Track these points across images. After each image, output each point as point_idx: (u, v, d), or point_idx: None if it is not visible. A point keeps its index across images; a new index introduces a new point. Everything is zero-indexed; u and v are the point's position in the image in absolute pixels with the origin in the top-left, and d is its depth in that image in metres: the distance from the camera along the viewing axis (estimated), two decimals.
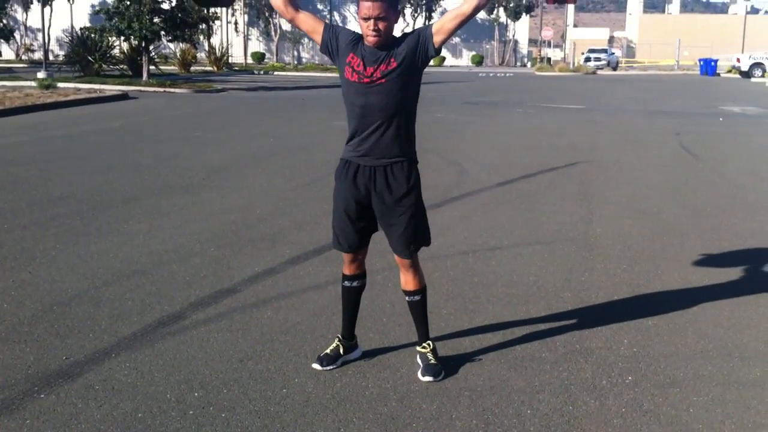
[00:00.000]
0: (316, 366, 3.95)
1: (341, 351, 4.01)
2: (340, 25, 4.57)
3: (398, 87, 3.68)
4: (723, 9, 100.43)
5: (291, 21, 3.92)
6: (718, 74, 49.68)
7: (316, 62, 65.98)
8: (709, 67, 50.04)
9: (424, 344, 3.95)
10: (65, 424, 3.35)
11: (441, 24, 3.71)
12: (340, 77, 3.79)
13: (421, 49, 3.70)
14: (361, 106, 3.71)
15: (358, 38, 3.73)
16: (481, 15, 71.58)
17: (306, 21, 3.86)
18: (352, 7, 74.73)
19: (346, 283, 4.00)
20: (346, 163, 3.82)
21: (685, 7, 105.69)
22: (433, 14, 71.40)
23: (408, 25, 69.57)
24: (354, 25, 73.70)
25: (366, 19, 3.59)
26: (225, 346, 4.23)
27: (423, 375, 3.83)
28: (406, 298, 3.95)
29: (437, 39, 3.69)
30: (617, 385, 3.82)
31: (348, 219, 3.84)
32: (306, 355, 4.09)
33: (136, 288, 5.20)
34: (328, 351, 4.00)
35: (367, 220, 3.87)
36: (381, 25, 3.59)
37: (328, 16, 74.19)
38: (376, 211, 3.82)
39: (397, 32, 3.76)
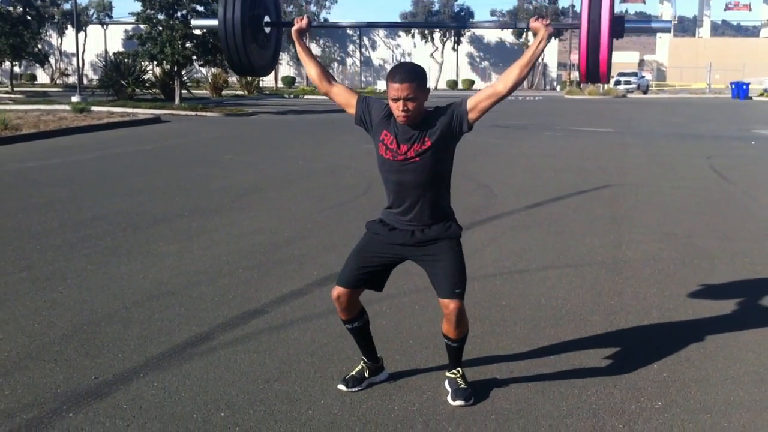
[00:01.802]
0: (341, 387, 3.95)
1: (366, 373, 4.00)
2: (372, 97, 4.64)
3: (432, 164, 3.70)
4: (754, 33, 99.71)
5: (326, 94, 4.03)
6: (750, 98, 49.20)
7: (345, 85, 66.33)
8: (740, 90, 49.58)
9: (454, 370, 3.92)
10: None
11: (476, 102, 3.71)
12: (375, 151, 3.81)
13: (455, 127, 3.71)
14: (396, 182, 3.75)
15: (391, 113, 3.74)
16: (511, 39, 71.82)
17: (339, 95, 3.94)
18: (381, 32, 75.26)
19: (348, 326, 3.94)
20: (382, 222, 3.85)
21: (715, 31, 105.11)
22: (461, 38, 71.67)
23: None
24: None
25: (395, 100, 3.62)
26: (252, 366, 4.24)
27: (454, 399, 3.80)
28: (445, 341, 3.86)
29: (471, 116, 3.71)
30: (646, 410, 3.77)
31: (367, 264, 3.83)
32: (332, 376, 4.09)
33: (165, 309, 5.24)
34: (353, 373, 4.00)
35: (380, 273, 3.86)
36: (410, 105, 3.60)
37: (358, 41, 74.82)
38: (418, 260, 3.82)
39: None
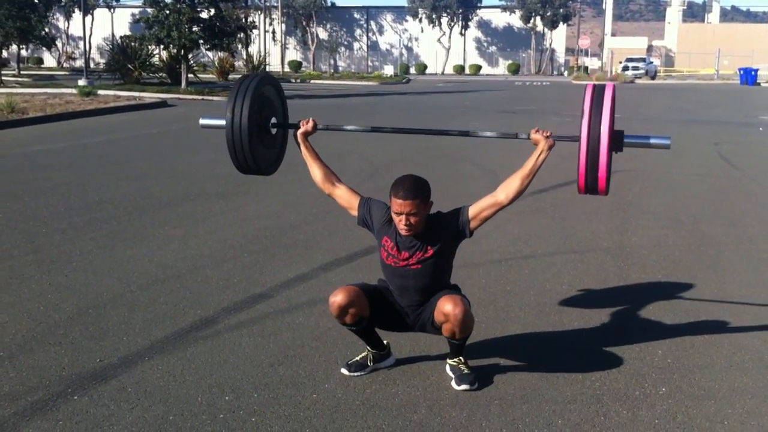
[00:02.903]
0: (344, 371, 3.95)
1: (369, 361, 4.00)
2: (373, 199, 4.67)
3: (433, 270, 3.79)
4: (764, 18, 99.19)
5: (329, 196, 4.13)
6: (759, 84, 48.95)
7: (353, 71, 66.25)
8: (749, 76, 49.33)
9: (455, 358, 3.93)
10: (98, 426, 3.39)
11: (478, 210, 3.76)
12: (378, 253, 3.90)
13: (457, 235, 3.81)
14: (398, 286, 3.85)
15: (392, 218, 3.77)
16: (519, 24, 71.47)
17: (342, 197, 4.06)
18: (389, 16, 75.00)
19: (347, 328, 3.92)
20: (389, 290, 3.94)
21: (724, 16, 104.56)
22: (469, 23, 71.34)
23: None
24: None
25: (398, 214, 3.67)
26: (256, 350, 4.25)
27: (458, 384, 3.80)
28: (448, 339, 3.84)
29: (473, 224, 3.79)
30: (650, 396, 3.77)
31: (376, 290, 3.90)
32: (336, 360, 4.10)
33: (170, 292, 5.26)
34: (357, 358, 4.01)
35: (384, 309, 3.90)
36: (413, 220, 3.67)
37: (365, 25, 74.58)
38: (420, 322, 3.90)
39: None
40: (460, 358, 3.90)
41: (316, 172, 4.08)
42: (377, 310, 3.87)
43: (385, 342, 4.08)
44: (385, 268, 3.87)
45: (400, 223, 3.69)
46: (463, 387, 3.78)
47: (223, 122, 4.15)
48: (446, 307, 3.66)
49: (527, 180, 3.74)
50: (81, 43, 51.72)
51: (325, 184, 4.06)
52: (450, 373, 3.90)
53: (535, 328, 4.67)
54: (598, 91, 3.82)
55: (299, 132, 4.14)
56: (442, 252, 3.78)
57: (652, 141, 4.01)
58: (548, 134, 3.81)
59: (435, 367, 4.05)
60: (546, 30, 70.72)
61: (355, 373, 3.94)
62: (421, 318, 3.88)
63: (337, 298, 3.76)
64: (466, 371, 3.85)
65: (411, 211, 3.64)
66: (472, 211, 3.78)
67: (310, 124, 4.15)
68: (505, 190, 3.76)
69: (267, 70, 51.85)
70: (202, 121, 4.53)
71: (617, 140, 3.79)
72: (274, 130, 4.43)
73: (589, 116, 3.73)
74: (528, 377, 3.96)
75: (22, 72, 43.64)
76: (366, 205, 3.95)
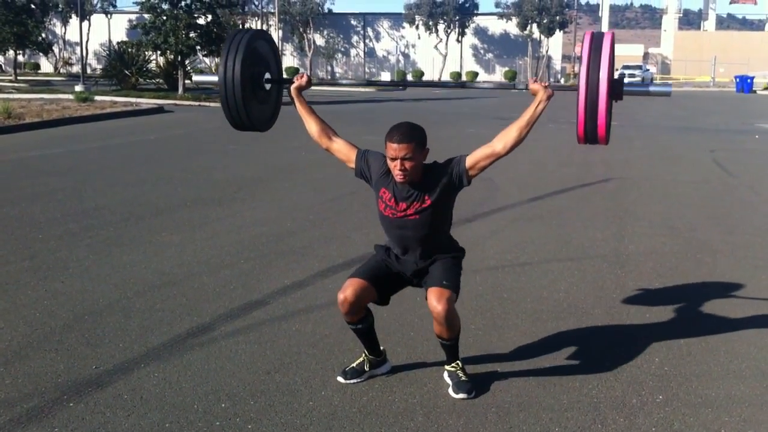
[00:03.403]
0: (340, 379, 3.94)
1: (367, 367, 3.99)
2: (371, 151, 4.63)
3: (432, 220, 3.76)
4: (760, 26, 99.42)
5: (326, 150, 4.06)
6: (754, 91, 49.07)
7: (350, 77, 66.28)
8: (745, 84, 49.44)
9: (453, 363, 3.92)
10: None
11: (475, 161, 3.74)
12: (375, 205, 3.87)
13: (454, 184, 3.77)
14: (397, 237, 3.83)
15: (389, 169, 3.76)
16: (515, 31, 71.57)
17: (340, 151, 4.00)
18: (386, 23, 75.09)
19: (352, 327, 3.92)
20: (390, 249, 3.92)
21: (720, 24, 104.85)
22: (466, 30, 71.45)
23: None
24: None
25: (393, 159, 3.64)
26: (253, 357, 4.24)
27: (456, 392, 3.79)
28: (439, 341, 3.85)
29: (471, 174, 3.77)
30: (647, 404, 3.77)
31: (379, 266, 3.88)
32: (333, 368, 4.09)
33: (166, 299, 5.24)
34: (354, 365, 4.00)
35: (391, 282, 3.90)
36: (408, 165, 3.64)
37: (362, 32, 74.69)
38: (422, 280, 3.87)
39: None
40: (458, 362, 3.89)
41: (311, 127, 4.03)
42: (385, 287, 3.87)
43: (381, 348, 4.07)
44: (383, 220, 3.84)
45: (396, 169, 3.65)
46: (461, 396, 3.77)
47: (215, 78, 4.16)
48: (432, 300, 3.68)
49: (525, 130, 3.70)
50: (78, 49, 51.73)
51: (321, 138, 4.01)
52: (447, 380, 3.89)
53: (532, 336, 4.67)
54: (597, 39, 3.76)
55: (293, 87, 4.11)
56: (439, 202, 3.74)
57: (652, 89, 3.98)
58: (546, 84, 3.79)
59: (432, 374, 4.05)
60: (542, 37, 70.77)
61: (352, 381, 3.93)
62: (423, 282, 3.86)
63: (347, 294, 3.74)
64: (463, 378, 3.84)
65: (406, 156, 3.60)
66: (469, 160, 3.74)
67: (304, 78, 4.12)
68: (503, 141, 3.72)
69: None
70: (195, 78, 4.58)
71: (617, 88, 3.75)
72: (268, 86, 4.42)
73: (587, 64, 3.70)
74: (525, 385, 3.95)
75: (18, 77, 43.59)
76: (363, 157, 3.91)
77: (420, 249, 3.81)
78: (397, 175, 3.67)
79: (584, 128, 3.76)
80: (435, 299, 3.66)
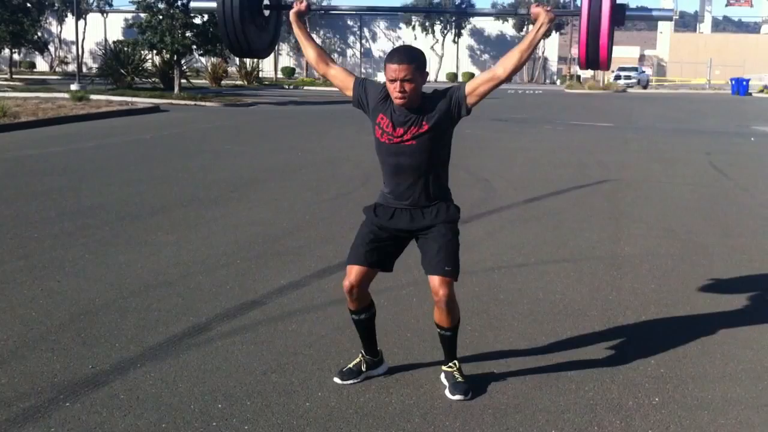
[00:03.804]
0: (336, 380, 3.94)
1: (363, 367, 3.99)
2: (369, 79, 4.60)
3: (430, 148, 3.69)
4: (755, 29, 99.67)
5: (324, 75, 4.01)
6: (750, 94, 49.17)
7: (344, 67, 66.26)
8: (740, 86, 49.54)
9: (450, 363, 3.92)
10: None
11: (475, 86, 3.71)
12: (372, 134, 3.81)
13: (453, 111, 3.71)
14: (392, 165, 3.74)
15: (388, 95, 3.72)
16: (511, 32, 71.68)
17: (337, 77, 3.94)
18: (382, 23, 75.10)
19: (354, 317, 3.92)
20: (380, 206, 3.84)
21: (716, 26, 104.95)
22: (462, 31, 71.50)
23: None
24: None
25: (392, 81, 3.60)
26: (249, 358, 4.24)
27: (452, 393, 3.79)
28: (437, 330, 3.86)
29: (470, 100, 3.71)
30: (644, 406, 3.77)
31: (373, 239, 3.80)
32: (330, 369, 4.09)
33: (162, 299, 5.24)
34: (350, 365, 3.99)
35: (389, 251, 3.84)
36: (407, 87, 3.59)
37: (358, 32, 74.69)
38: (417, 238, 3.80)
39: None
40: (455, 362, 3.89)
41: (309, 53, 3.98)
42: (384, 259, 3.84)
43: (379, 349, 4.07)
44: (380, 148, 3.76)
45: (395, 91, 3.60)
46: (457, 397, 3.77)
47: (213, 4, 4.15)
48: (435, 282, 3.68)
49: (526, 54, 3.67)
50: (74, 48, 51.63)
51: (319, 63, 3.97)
52: (444, 381, 3.89)
53: (528, 337, 4.67)
54: None
55: (292, 12, 4.09)
56: (437, 128, 3.67)
57: (655, 13, 3.99)
58: (549, 8, 3.78)
59: (429, 375, 4.04)
60: None
61: (348, 381, 3.92)
62: (417, 239, 3.81)
63: (351, 280, 3.77)
64: (460, 379, 3.84)
65: (406, 77, 3.56)
66: (470, 86, 3.71)
67: (304, 3, 4.09)
68: (503, 65, 3.70)
69: (260, 76, 51.87)
70: (193, 5, 4.56)
71: (619, 12, 3.75)
72: (267, 12, 4.41)
73: None
74: (521, 386, 3.95)
75: (14, 76, 43.53)
76: (362, 85, 3.88)
77: (416, 185, 3.71)
78: (396, 97, 3.62)
79: (586, 51, 3.76)
80: (438, 282, 3.67)
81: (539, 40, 3.75)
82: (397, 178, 3.75)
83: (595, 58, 3.79)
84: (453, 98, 3.70)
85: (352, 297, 3.81)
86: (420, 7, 68.98)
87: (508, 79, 3.73)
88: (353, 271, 3.77)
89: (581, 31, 3.78)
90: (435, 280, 3.69)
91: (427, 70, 3.72)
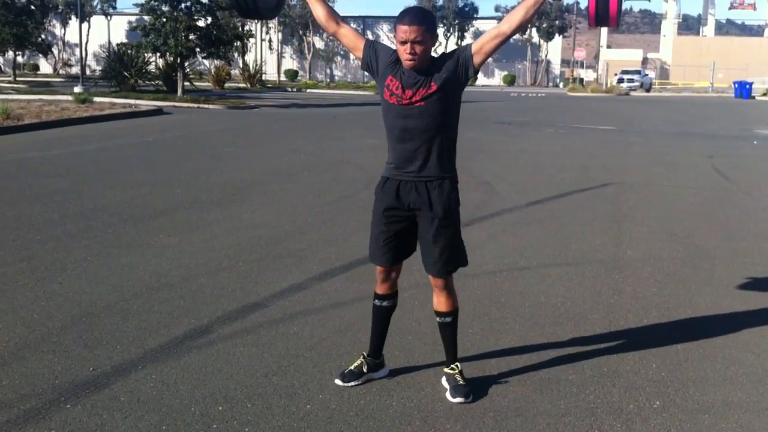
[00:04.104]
0: (338, 382, 3.94)
1: (364, 369, 3.99)
2: (380, 42, 4.56)
3: (438, 110, 3.68)
4: (759, 32, 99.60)
5: (333, 35, 3.98)
6: (753, 97, 49.14)
7: (349, 80, 66.37)
8: (743, 89, 49.52)
9: (452, 366, 3.92)
10: None
11: (481, 44, 3.70)
12: (380, 97, 3.80)
13: (461, 71, 3.71)
14: (400, 128, 3.72)
15: (397, 58, 3.72)
16: (515, 35, 71.71)
17: (347, 36, 3.92)
18: (386, 26, 75.14)
19: (377, 302, 3.96)
20: (387, 180, 3.82)
21: (720, 30, 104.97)
22: (465, 34, 71.51)
23: (440, 44, 69.76)
24: (387, 44, 74.29)
25: (403, 43, 3.60)
26: (250, 360, 4.24)
27: (453, 396, 3.79)
28: (437, 318, 3.91)
29: (477, 59, 3.70)
30: (644, 410, 3.77)
31: (386, 232, 3.81)
32: (331, 371, 4.09)
33: (164, 301, 5.24)
34: (351, 367, 4.00)
35: (405, 237, 3.84)
36: (418, 49, 3.59)
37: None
38: (420, 218, 3.78)
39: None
40: (456, 365, 3.90)
41: (318, 11, 3.94)
42: (405, 251, 3.89)
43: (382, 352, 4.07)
44: (388, 110, 3.75)
45: (405, 53, 3.61)
46: (458, 399, 3.77)
47: None
48: (433, 259, 3.75)
49: (532, 9, 3.66)
50: (77, 50, 51.73)
51: (329, 22, 3.93)
52: (445, 384, 3.89)
53: (530, 341, 4.67)
54: None
55: None
56: (445, 89, 3.68)
57: None
58: None
59: (429, 378, 4.05)
60: (542, 41, 70.94)
61: (349, 383, 3.93)
62: (420, 224, 3.80)
63: (380, 270, 3.89)
64: (461, 382, 3.84)
65: (416, 38, 3.57)
66: (476, 45, 3.72)
67: None
68: (508, 21, 3.70)
69: (263, 78, 51.91)
70: None
71: None
72: None
73: None
74: (522, 389, 3.95)
75: (18, 78, 43.61)
76: (372, 47, 3.87)
77: (421, 150, 3.69)
78: (406, 59, 3.62)
79: (596, 6, 3.74)
80: (439, 265, 3.75)
81: None
82: (403, 142, 3.73)
83: (605, 12, 3.75)
84: (460, 58, 3.71)
85: (383, 280, 3.91)
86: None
87: (513, 34, 3.73)
88: (379, 269, 3.91)
89: None
90: (431, 261, 3.79)
91: (437, 32, 3.72)
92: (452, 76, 3.69)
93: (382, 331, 4.02)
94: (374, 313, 4.02)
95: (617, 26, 3.89)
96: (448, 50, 3.91)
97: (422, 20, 3.59)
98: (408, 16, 3.59)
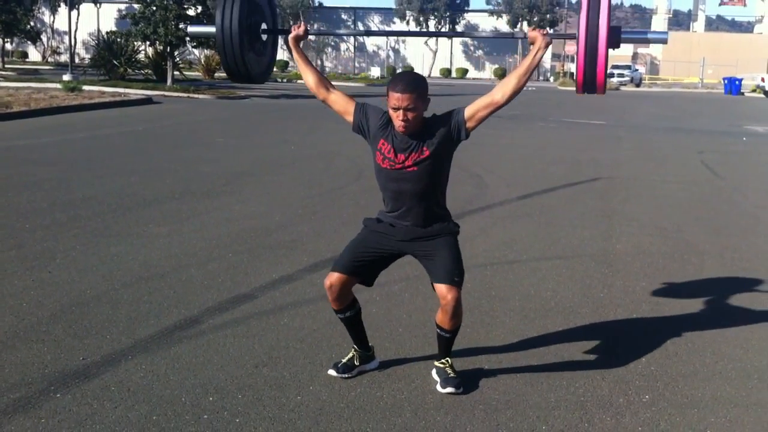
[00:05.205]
0: (331, 372, 3.94)
1: (357, 362, 4.00)
2: (370, 104, 4.63)
3: (431, 173, 3.73)
4: (748, 28, 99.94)
5: (323, 101, 4.02)
6: (742, 93, 49.31)
7: (339, 72, 66.27)
8: (733, 85, 49.68)
9: (443, 360, 3.92)
10: (80, 424, 3.36)
11: (474, 111, 3.74)
12: (372, 160, 3.83)
13: (453, 136, 3.75)
14: (393, 191, 3.77)
15: (388, 121, 3.74)
16: (505, 28, 71.57)
17: (337, 102, 3.95)
18: (376, 18, 74.98)
19: (339, 315, 3.93)
20: (382, 222, 3.86)
21: (710, 25, 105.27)
22: (456, 27, 71.45)
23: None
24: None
25: (395, 109, 3.63)
26: (241, 351, 4.24)
27: (444, 387, 3.80)
28: (438, 331, 3.86)
29: (470, 125, 3.75)
30: (634, 404, 3.79)
31: (365, 253, 3.83)
32: (321, 363, 4.09)
33: (154, 291, 5.23)
34: (345, 360, 3.99)
35: (377, 265, 3.87)
36: (410, 115, 3.62)
37: (353, 26, 74.56)
38: (416, 255, 3.82)
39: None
40: (448, 359, 3.90)
41: (309, 78, 4.00)
42: (368, 272, 3.87)
43: (370, 344, 4.07)
44: (381, 173, 3.79)
45: (398, 119, 3.64)
46: (449, 390, 3.78)
47: (212, 29, 4.15)
48: (442, 288, 3.67)
49: (524, 78, 3.70)
50: (66, 38, 51.36)
51: (319, 89, 3.97)
52: (435, 377, 3.89)
53: (520, 334, 4.68)
54: None
55: (291, 37, 4.09)
56: (438, 154, 3.71)
57: (650, 36, 4.01)
58: (545, 32, 3.79)
59: (420, 370, 4.05)
60: None
61: (343, 375, 3.93)
62: (417, 256, 3.83)
63: (332, 280, 3.77)
64: (451, 374, 3.85)
65: (409, 106, 3.60)
66: (468, 111, 3.74)
67: (302, 28, 4.10)
68: (502, 90, 3.73)
69: None
70: (190, 29, 4.58)
71: (615, 35, 3.77)
72: (264, 37, 4.41)
73: (587, 12, 3.71)
74: (512, 382, 3.96)
75: (6, 66, 43.29)
76: (362, 110, 3.89)
77: (417, 208, 3.75)
78: (399, 125, 3.65)
79: (583, 76, 3.77)
80: (446, 288, 3.68)
81: (537, 64, 3.78)
82: (398, 202, 3.78)
83: (592, 82, 3.80)
84: (452, 123, 3.74)
85: (332, 297, 3.82)
86: (415, 32, 68.82)
87: (506, 103, 3.76)
88: (334, 277, 3.79)
89: (579, 56, 3.79)
90: (443, 288, 3.70)
91: (429, 96, 3.73)
92: (445, 141, 3.73)
93: (358, 332, 4.00)
94: (342, 322, 3.98)
95: (604, 93, 3.93)
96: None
97: (414, 88, 3.61)
98: (401, 83, 3.61)
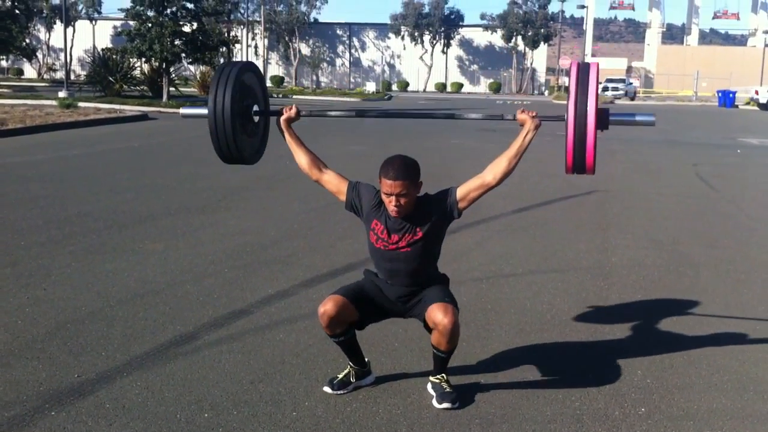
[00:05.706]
0: (327, 389, 3.93)
1: (352, 378, 3.99)
2: (362, 183, 4.66)
3: (424, 252, 3.79)
4: (742, 41, 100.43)
5: (317, 182, 4.09)
6: (736, 106, 49.49)
7: (335, 87, 66.43)
8: (727, 98, 49.87)
9: (438, 375, 3.92)
10: None
11: (466, 192, 3.81)
12: (366, 238, 3.88)
13: (446, 216, 3.82)
14: (387, 270, 3.84)
15: (381, 201, 3.79)
16: (500, 43, 71.91)
17: (330, 182, 4.04)
18: (372, 33, 75.20)
19: (334, 339, 3.90)
20: (379, 277, 3.93)
21: (703, 39, 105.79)
22: (451, 41, 71.71)
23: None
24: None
25: (388, 195, 3.68)
26: (236, 367, 4.23)
27: (440, 402, 3.79)
28: (434, 351, 3.84)
29: (461, 205, 3.82)
30: (630, 416, 3.79)
31: (364, 290, 3.87)
32: (317, 378, 4.08)
33: (149, 307, 5.22)
34: (341, 376, 3.99)
35: (369, 312, 3.88)
36: (403, 201, 3.68)
37: (347, 42, 74.77)
38: (411, 312, 3.88)
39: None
40: (443, 375, 3.90)
41: (301, 159, 4.06)
42: (366, 312, 3.86)
43: (366, 360, 4.06)
44: (374, 252, 3.85)
45: (390, 205, 3.68)
46: (445, 405, 3.77)
47: (205, 111, 4.15)
48: (437, 315, 3.66)
49: (514, 161, 3.77)
50: (62, 55, 51.45)
51: (312, 170, 4.03)
52: (431, 392, 3.89)
53: (515, 347, 4.68)
54: (583, 70, 3.81)
55: (282, 119, 4.12)
56: (431, 234, 3.77)
57: (638, 118, 4.03)
58: (534, 114, 3.82)
59: (416, 385, 4.05)
60: (527, 49, 71.15)
61: (339, 391, 3.92)
62: (411, 312, 3.89)
63: (327, 308, 3.72)
64: (447, 389, 3.84)
65: (401, 192, 3.64)
66: (460, 192, 3.79)
67: (293, 110, 4.13)
68: (493, 172, 3.79)
69: None
70: (183, 111, 4.56)
71: (603, 118, 3.79)
72: (256, 118, 4.41)
73: (575, 95, 3.73)
74: (508, 396, 3.96)
75: (1, 83, 43.35)
76: (355, 189, 3.94)
77: (410, 279, 3.83)
78: (392, 210, 3.70)
79: (573, 158, 3.80)
80: (441, 313, 3.66)
81: (527, 147, 3.84)
82: (392, 277, 3.85)
83: (581, 164, 3.83)
84: (444, 204, 3.80)
85: (324, 323, 3.78)
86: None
87: (498, 185, 3.85)
88: (332, 300, 3.75)
89: (567, 140, 3.81)
90: (438, 308, 3.67)
91: (421, 179, 3.77)
92: (437, 222, 3.81)
93: (353, 352, 3.97)
94: (337, 345, 3.96)
95: (593, 174, 3.95)
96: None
97: (405, 175, 3.65)
98: (392, 170, 3.65)
